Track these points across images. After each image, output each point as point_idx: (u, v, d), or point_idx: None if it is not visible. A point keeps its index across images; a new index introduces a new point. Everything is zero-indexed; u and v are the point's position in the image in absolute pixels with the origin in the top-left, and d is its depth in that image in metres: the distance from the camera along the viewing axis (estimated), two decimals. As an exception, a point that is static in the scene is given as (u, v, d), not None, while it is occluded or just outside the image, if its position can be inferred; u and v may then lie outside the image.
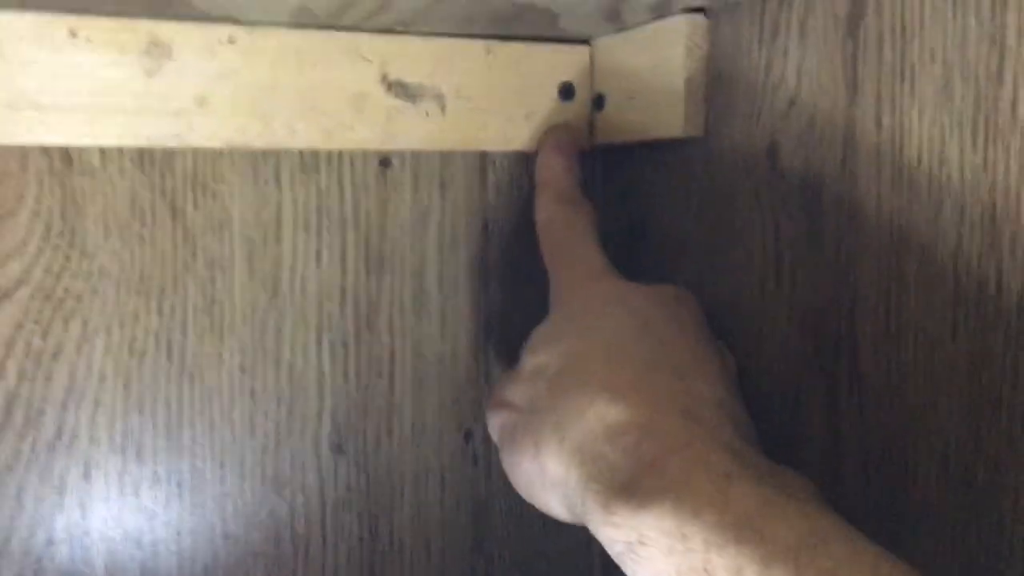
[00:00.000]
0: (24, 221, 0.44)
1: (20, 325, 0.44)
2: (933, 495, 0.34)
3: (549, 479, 0.37)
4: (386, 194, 0.50)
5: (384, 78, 0.48)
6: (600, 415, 0.36)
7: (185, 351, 0.47)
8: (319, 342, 0.50)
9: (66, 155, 0.44)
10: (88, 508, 0.46)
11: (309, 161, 0.49)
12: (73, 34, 0.42)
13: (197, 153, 0.46)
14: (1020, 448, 0.31)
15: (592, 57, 0.52)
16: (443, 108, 0.49)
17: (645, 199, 0.51)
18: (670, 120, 0.45)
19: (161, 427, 0.47)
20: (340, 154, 0.49)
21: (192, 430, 0.47)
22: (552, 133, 0.51)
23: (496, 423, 0.42)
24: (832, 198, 0.38)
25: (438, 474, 0.53)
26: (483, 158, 0.52)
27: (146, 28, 0.43)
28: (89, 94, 0.42)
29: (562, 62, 0.51)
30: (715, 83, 0.44)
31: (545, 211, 0.48)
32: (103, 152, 0.45)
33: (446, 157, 0.51)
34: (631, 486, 0.33)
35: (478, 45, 0.49)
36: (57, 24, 0.41)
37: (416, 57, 0.48)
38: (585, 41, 0.52)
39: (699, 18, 0.44)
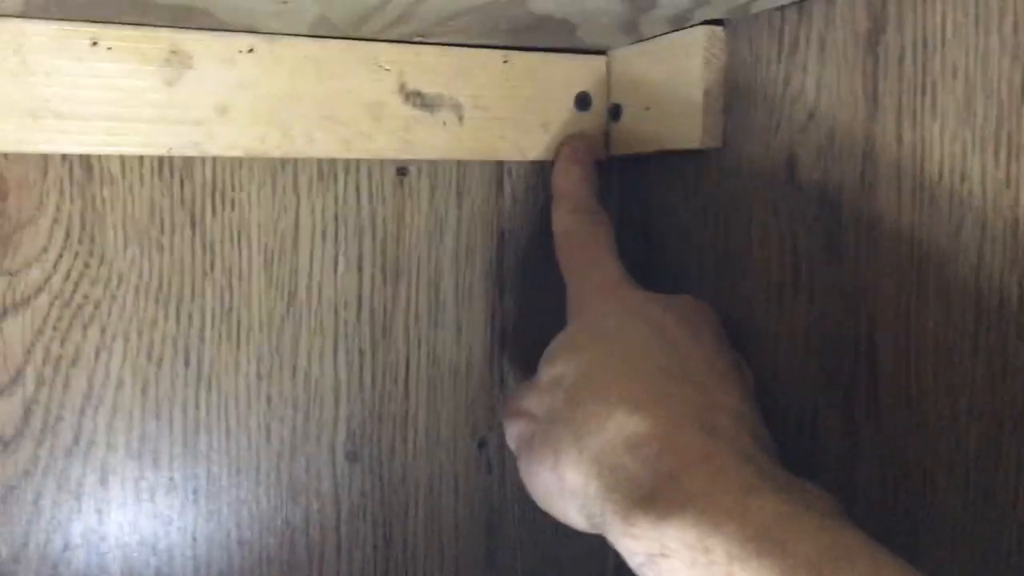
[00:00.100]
0: (45, 228, 0.44)
1: (39, 331, 0.44)
2: (952, 510, 0.34)
3: (567, 489, 0.37)
4: (403, 203, 0.51)
5: (402, 88, 0.48)
6: (619, 426, 0.36)
7: (202, 358, 0.47)
8: (335, 350, 0.50)
9: (87, 163, 0.44)
10: (104, 514, 0.46)
11: (327, 170, 0.49)
12: (95, 43, 0.42)
13: (216, 162, 0.46)
14: (1041, 464, 0.31)
15: (609, 68, 0.52)
16: (460, 118, 0.49)
17: (661, 210, 0.51)
18: (688, 131, 0.45)
19: (178, 433, 0.47)
20: (357, 163, 0.49)
21: (208, 436, 0.48)
22: (568, 143, 0.51)
23: (514, 432, 0.43)
24: (851, 211, 0.38)
25: (452, 482, 0.53)
26: (499, 167, 0.53)
27: (167, 38, 0.43)
28: (110, 103, 0.43)
29: (579, 72, 0.52)
30: (733, 95, 0.44)
31: (562, 221, 0.48)
32: (123, 160, 0.45)
33: (463, 166, 0.52)
34: (651, 497, 0.33)
35: (495, 55, 0.50)
36: (79, 33, 0.42)
37: (434, 67, 0.48)
38: (602, 52, 0.52)
39: (717, 30, 0.44)
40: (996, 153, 0.32)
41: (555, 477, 0.38)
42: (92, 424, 0.45)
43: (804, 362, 0.41)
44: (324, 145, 0.46)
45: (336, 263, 0.49)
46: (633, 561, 0.33)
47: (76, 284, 0.45)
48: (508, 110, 0.50)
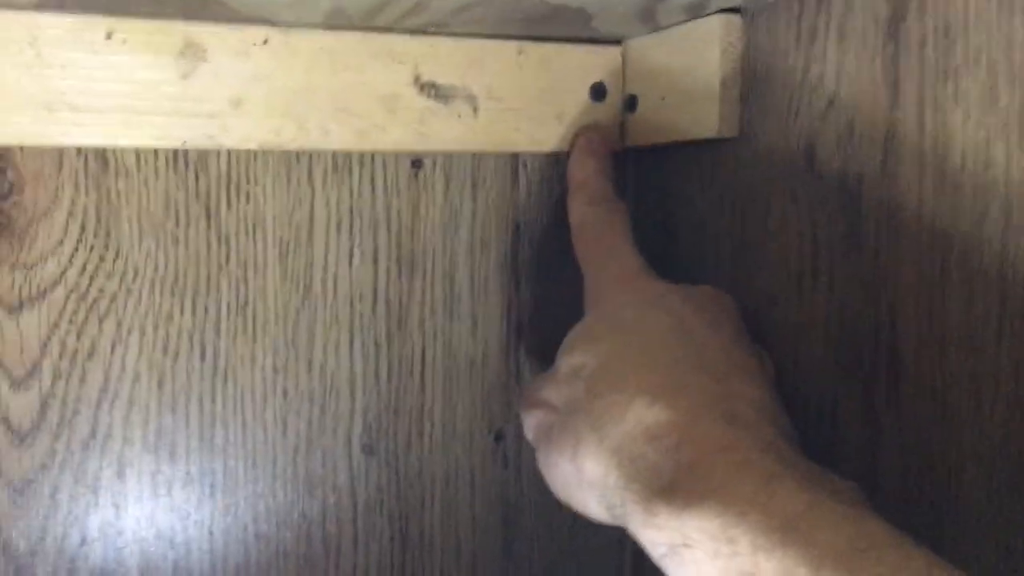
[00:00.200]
0: (60, 222, 0.44)
1: (55, 325, 0.44)
2: (977, 502, 0.34)
3: (587, 479, 0.37)
4: (418, 195, 0.50)
5: (417, 79, 0.47)
6: (639, 417, 0.35)
7: (218, 351, 0.47)
8: (351, 343, 0.50)
9: (102, 156, 0.44)
10: (122, 508, 0.46)
11: (341, 162, 0.49)
12: (109, 36, 0.42)
13: (231, 154, 0.46)
14: (1067, 453, 0.31)
15: (624, 57, 0.52)
16: (475, 109, 0.49)
17: (677, 200, 0.50)
18: (705, 120, 0.45)
19: (194, 427, 0.47)
20: (372, 155, 0.49)
21: (225, 430, 0.48)
22: (584, 134, 0.50)
23: (532, 423, 0.42)
24: (872, 200, 0.38)
25: (468, 475, 0.53)
26: (514, 159, 0.52)
27: (181, 30, 0.43)
28: (125, 96, 0.42)
29: (594, 63, 0.51)
30: (750, 83, 0.44)
31: (579, 212, 0.48)
32: (138, 153, 0.45)
33: (478, 158, 0.51)
34: (672, 488, 0.33)
35: (510, 46, 0.49)
36: (94, 26, 0.42)
37: (448, 58, 0.48)
38: (617, 41, 0.52)
39: (735, 18, 0.44)
40: (1021, 140, 0.32)
41: (574, 468, 0.38)
42: (108, 418, 0.45)
43: (824, 352, 0.40)
44: (339, 137, 0.46)
45: (351, 256, 0.49)
46: (655, 552, 0.33)
47: (92, 277, 0.45)
48: (523, 101, 0.50)
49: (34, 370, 0.44)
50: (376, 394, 0.50)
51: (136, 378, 0.46)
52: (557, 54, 0.50)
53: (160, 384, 0.46)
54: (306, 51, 0.45)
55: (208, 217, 0.46)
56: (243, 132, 0.45)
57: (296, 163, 0.48)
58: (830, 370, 0.40)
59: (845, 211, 0.39)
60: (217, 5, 0.41)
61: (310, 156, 0.48)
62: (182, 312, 0.46)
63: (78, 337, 0.45)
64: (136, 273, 0.45)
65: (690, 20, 0.46)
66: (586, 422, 0.37)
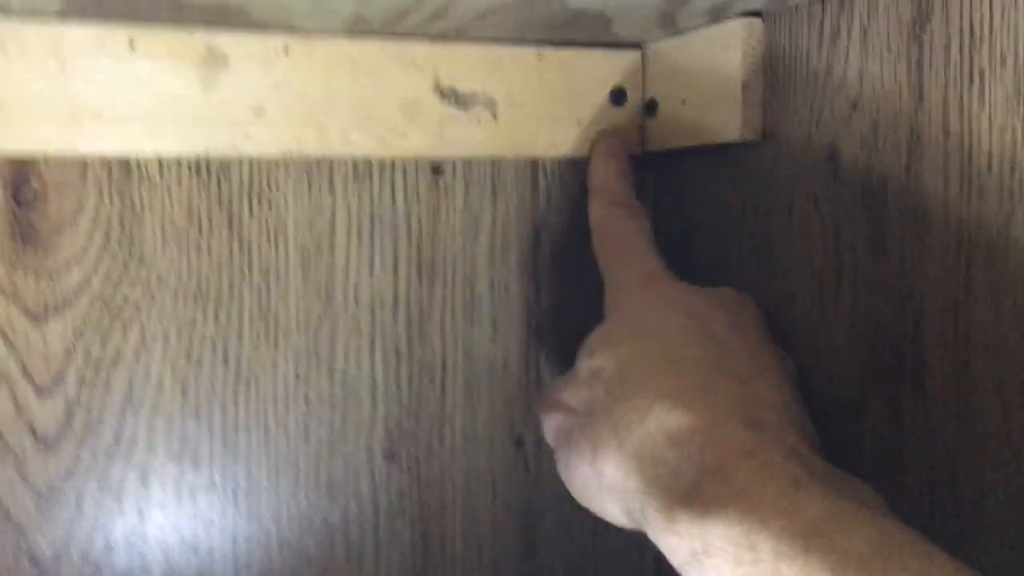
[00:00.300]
0: (84, 230, 0.44)
1: (80, 333, 0.44)
2: (1003, 510, 0.33)
3: (607, 483, 0.37)
4: (438, 201, 0.50)
5: (437, 85, 0.48)
6: (660, 420, 0.35)
7: (241, 358, 0.47)
8: (372, 349, 0.50)
9: (125, 165, 0.44)
10: (146, 514, 0.46)
11: (362, 169, 0.49)
12: (132, 45, 0.42)
13: (253, 162, 0.47)
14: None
15: (644, 61, 0.51)
16: (495, 115, 0.49)
17: (698, 204, 0.50)
18: (727, 124, 0.45)
19: (217, 434, 0.47)
20: (392, 162, 0.49)
21: (248, 436, 0.48)
22: (604, 138, 0.50)
23: (551, 425, 0.42)
24: (896, 203, 0.37)
25: (489, 481, 0.53)
26: (534, 164, 0.52)
27: (203, 39, 0.43)
28: (148, 104, 0.43)
29: (613, 67, 0.51)
30: (772, 86, 0.44)
31: (599, 216, 0.47)
32: (161, 162, 0.45)
33: (497, 164, 0.51)
34: (694, 493, 0.33)
35: (529, 51, 0.49)
36: (117, 35, 0.42)
37: (468, 64, 0.48)
38: (637, 45, 0.52)
39: (756, 21, 0.44)
40: (1048, 142, 0.31)
41: (594, 471, 0.37)
42: (132, 425, 0.46)
43: (848, 356, 0.40)
44: (360, 144, 0.46)
45: (372, 262, 0.49)
46: (675, 558, 0.33)
47: (116, 285, 0.45)
48: (542, 106, 0.50)
49: (59, 378, 0.44)
50: (397, 400, 0.50)
51: (160, 385, 0.46)
52: (577, 59, 0.50)
53: (183, 391, 0.46)
54: (327, 59, 0.45)
55: (230, 225, 0.46)
56: (265, 140, 0.45)
57: (317, 170, 0.48)
58: (854, 373, 0.40)
59: (869, 214, 0.39)
60: (238, 14, 0.41)
61: (331, 163, 0.48)
62: (205, 319, 0.46)
63: (102, 345, 0.45)
64: (159, 281, 0.45)
65: (711, 24, 0.45)
66: (606, 425, 0.37)
